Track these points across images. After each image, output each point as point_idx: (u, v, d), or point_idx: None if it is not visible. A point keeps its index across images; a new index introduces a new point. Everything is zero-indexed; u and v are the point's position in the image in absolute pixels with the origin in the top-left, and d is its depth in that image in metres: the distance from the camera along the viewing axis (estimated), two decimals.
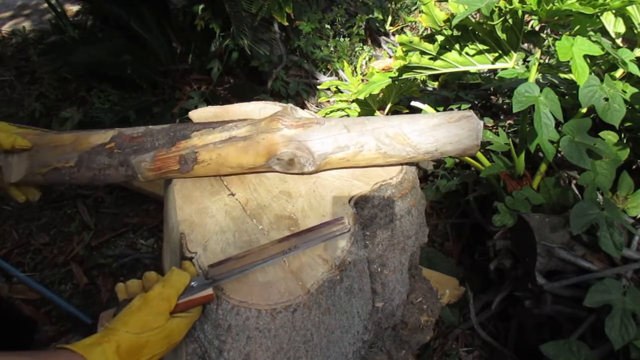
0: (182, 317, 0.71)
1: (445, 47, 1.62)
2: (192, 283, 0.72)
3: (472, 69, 1.68)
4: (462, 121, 0.91)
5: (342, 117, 2.30)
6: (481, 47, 1.58)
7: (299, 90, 2.79)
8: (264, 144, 0.90)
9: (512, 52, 1.54)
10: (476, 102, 2.36)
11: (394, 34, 3.36)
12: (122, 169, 0.94)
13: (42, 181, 1.00)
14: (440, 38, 1.61)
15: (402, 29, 3.44)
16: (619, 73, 1.47)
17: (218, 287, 0.74)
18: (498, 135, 1.73)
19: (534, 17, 1.40)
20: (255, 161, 0.92)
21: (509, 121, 2.18)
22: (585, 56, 1.27)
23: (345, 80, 2.75)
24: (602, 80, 1.29)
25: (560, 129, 1.42)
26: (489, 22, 1.44)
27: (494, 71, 2.44)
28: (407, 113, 2.30)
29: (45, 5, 2.83)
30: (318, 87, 2.76)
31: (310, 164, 0.91)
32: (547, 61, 2.61)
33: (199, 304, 0.72)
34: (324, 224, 0.84)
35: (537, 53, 1.49)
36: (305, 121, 0.91)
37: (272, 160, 0.91)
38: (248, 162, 0.92)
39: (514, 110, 1.29)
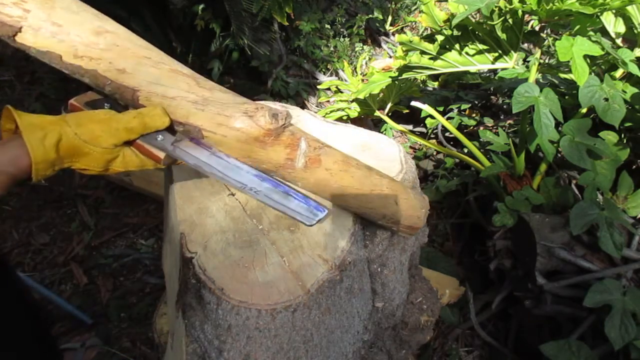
0: (132, 155, 0.68)
1: (445, 47, 1.62)
2: (159, 136, 0.70)
3: (472, 69, 1.68)
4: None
5: (341, 119, 2.30)
6: (481, 47, 1.58)
7: (299, 90, 2.79)
8: None
9: (512, 52, 1.54)
10: (476, 102, 2.36)
11: (394, 34, 3.37)
12: None
13: None
14: (440, 38, 1.61)
15: (402, 29, 3.44)
16: (619, 73, 1.47)
17: (218, 287, 0.74)
18: (498, 135, 1.74)
19: (534, 17, 1.40)
20: None
21: (509, 121, 2.18)
22: (585, 56, 1.27)
23: (345, 80, 2.75)
24: (602, 80, 1.29)
25: (560, 129, 1.42)
26: (489, 22, 1.44)
27: (494, 71, 2.44)
28: (407, 113, 2.30)
29: None
30: (318, 87, 2.76)
31: None
32: (547, 61, 2.61)
33: (148, 155, 0.69)
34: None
35: (537, 53, 1.49)
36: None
37: None
38: None
39: (514, 111, 1.29)
